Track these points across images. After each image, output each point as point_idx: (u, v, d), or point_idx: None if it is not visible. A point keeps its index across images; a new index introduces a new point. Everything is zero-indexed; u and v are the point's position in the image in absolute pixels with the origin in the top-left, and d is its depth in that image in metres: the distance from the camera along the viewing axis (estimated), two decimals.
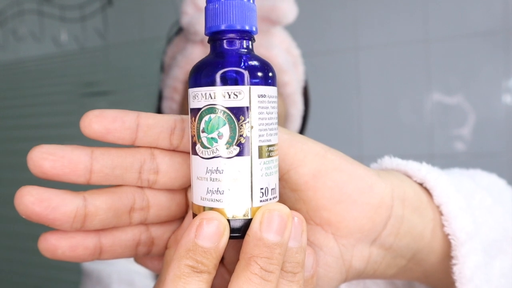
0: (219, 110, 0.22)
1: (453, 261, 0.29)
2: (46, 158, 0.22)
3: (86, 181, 0.23)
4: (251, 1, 0.24)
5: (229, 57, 0.23)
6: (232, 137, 0.22)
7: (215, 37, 0.24)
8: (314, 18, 1.26)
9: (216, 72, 0.22)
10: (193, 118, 0.23)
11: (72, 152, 0.23)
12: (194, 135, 0.23)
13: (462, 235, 0.28)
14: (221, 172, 0.22)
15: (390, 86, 1.21)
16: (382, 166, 0.31)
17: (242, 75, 0.22)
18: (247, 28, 0.23)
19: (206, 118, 0.22)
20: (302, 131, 0.75)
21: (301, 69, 0.72)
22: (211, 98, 0.22)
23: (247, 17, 0.23)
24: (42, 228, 0.23)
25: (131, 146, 0.25)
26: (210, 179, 0.23)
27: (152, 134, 0.24)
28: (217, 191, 0.23)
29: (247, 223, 0.23)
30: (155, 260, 0.29)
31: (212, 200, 0.23)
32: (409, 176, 0.30)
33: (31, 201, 0.22)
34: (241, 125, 0.22)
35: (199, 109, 0.23)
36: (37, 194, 0.22)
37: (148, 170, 0.25)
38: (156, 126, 0.24)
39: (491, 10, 1.10)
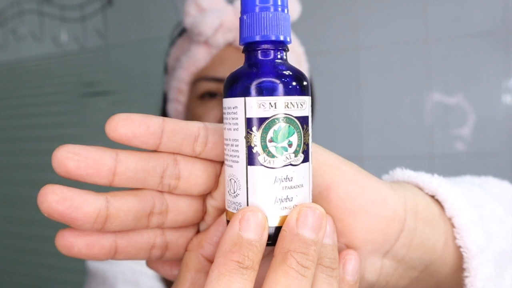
0: (290, 119, 0.23)
1: (465, 273, 0.29)
2: (71, 158, 0.22)
3: (109, 183, 0.24)
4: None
5: (292, 69, 0.24)
6: (299, 145, 0.23)
7: (277, 46, 0.24)
8: (314, 18, 1.26)
9: (291, 82, 0.23)
10: (254, 128, 0.23)
11: (97, 153, 0.23)
12: (256, 145, 0.23)
13: (473, 248, 0.29)
14: (290, 179, 0.23)
15: (390, 86, 1.21)
16: (394, 178, 0.32)
17: (307, 86, 0.24)
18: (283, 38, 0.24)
19: (275, 127, 0.23)
20: None
21: (305, 67, 0.72)
22: (282, 108, 0.23)
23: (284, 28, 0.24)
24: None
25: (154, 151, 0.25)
26: (280, 188, 0.23)
27: (176, 140, 0.24)
28: (286, 198, 0.23)
29: None
30: (167, 266, 0.29)
31: (281, 209, 0.23)
32: (421, 188, 0.30)
33: (55, 200, 0.22)
34: (305, 133, 0.24)
35: (266, 118, 0.23)
36: (61, 193, 0.22)
37: (170, 175, 0.25)
38: (180, 132, 0.24)
39: (491, 10, 1.10)
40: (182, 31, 0.72)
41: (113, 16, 1.55)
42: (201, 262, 0.26)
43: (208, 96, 0.65)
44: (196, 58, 0.65)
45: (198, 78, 0.66)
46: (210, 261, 0.26)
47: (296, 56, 0.70)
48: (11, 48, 1.55)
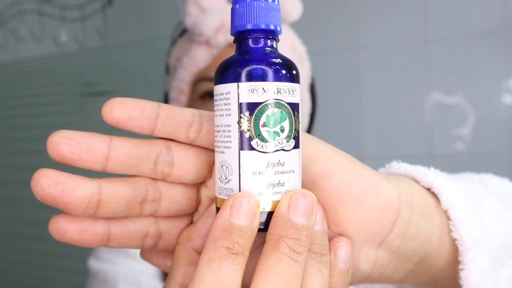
0: (282, 105, 0.23)
1: (460, 266, 0.29)
2: (65, 142, 0.23)
3: (102, 168, 0.24)
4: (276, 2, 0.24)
5: (283, 57, 0.24)
6: (290, 130, 0.24)
7: (270, 35, 0.24)
8: (314, 18, 1.26)
9: (283, 68, 0.24)
10: (247, 113, 0.23)
11: (91, 138, 0.23)
12: (249, 130, 0.23)
13: (468, 241, 0.29)
14: (282, 164, 0.23)
15: (390, 86, 1.21)
16: (390, 171, 0.32)
17: (297, 74, 0.24)
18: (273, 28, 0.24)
19: (268, 112, 0.23)
20: (310, 128, 0.76)
21: (307, 66, 0.72)
22: (275, 93, 0.23)
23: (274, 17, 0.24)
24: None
25: (148, 137, 0.25)
26: (272, 173, 0.23)
27: (171, 125, 0.25)
28: (279, 183, 0.23)
29: None
30: (160, 257, 0.29)
31: (273, 193, 0.23)
32: (417, 181, 0.30)
33: (47, 183, 0.22)
34: (296, 120, 0.24)
35: (259, 103, 0.23)
36: (54, 176, 0.22)
37: (163, 162, 0.25)
38: (175, 118, 0.25)
39: (491, 10, 1.10)
40: (183, 31, 0.72)
41: (113, 16, 1.55)
42: (191, 255, 0.26)
43: (208, 96, 0.65)
44: (197, 59, 0.65)
45: (199, 79, 0.66)
46: (200, 253, 0.26)
47: (298, 55, 0.70)
48: (11, 48, 1.55)
